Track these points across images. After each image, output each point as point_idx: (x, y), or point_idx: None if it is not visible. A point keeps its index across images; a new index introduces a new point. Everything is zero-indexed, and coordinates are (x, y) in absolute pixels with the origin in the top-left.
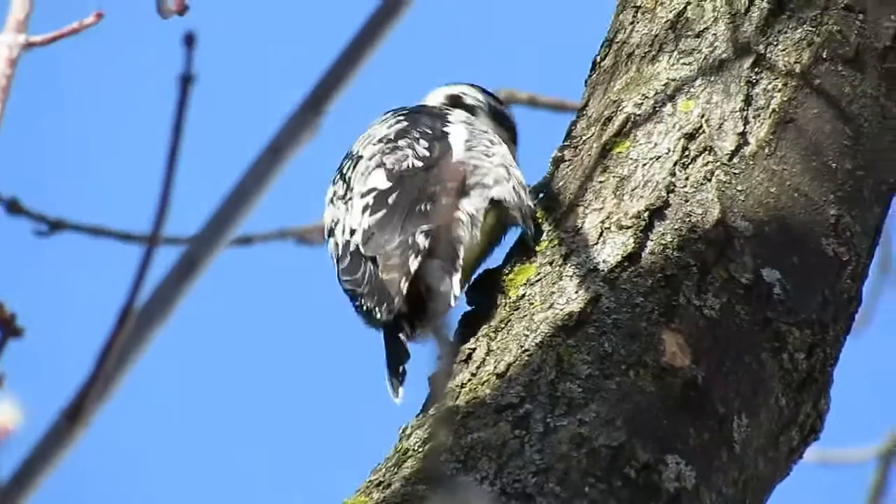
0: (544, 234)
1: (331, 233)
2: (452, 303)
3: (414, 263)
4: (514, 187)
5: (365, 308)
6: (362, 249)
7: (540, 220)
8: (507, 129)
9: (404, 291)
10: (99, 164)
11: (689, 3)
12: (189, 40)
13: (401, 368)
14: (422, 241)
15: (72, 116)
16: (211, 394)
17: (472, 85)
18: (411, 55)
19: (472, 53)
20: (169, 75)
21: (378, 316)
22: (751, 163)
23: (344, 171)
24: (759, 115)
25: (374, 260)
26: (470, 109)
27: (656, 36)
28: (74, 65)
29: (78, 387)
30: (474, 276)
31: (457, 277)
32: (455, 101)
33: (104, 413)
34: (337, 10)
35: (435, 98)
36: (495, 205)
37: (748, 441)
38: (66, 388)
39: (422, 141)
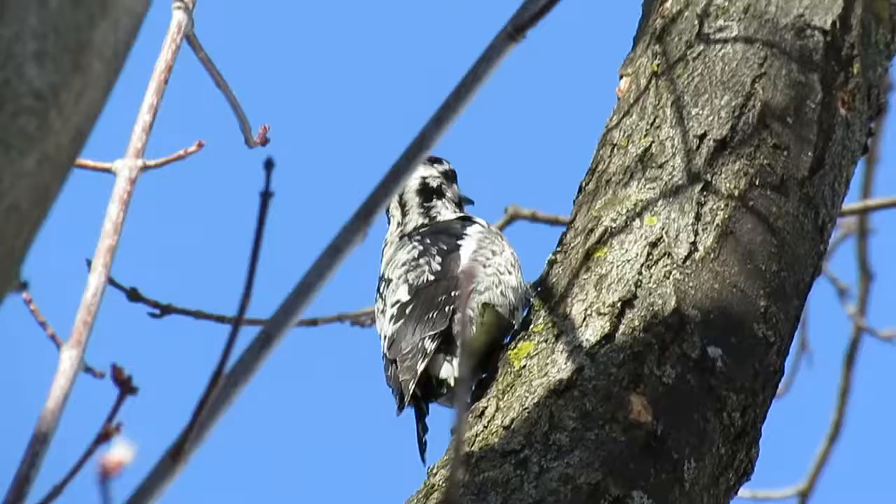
0: (540, 319)
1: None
2: (452, 383)
3: (421, 366)
4: (501, 291)
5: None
6: (388, 354)
7: (537, 308)
8: (453, 178)
9: (411, 391)
10: (199, 261)
11: (653, 142)
12: (269, 165)
13: (423, 440)
14: (428, 346)
15: (178, 223)
16: (282, 444)
17: (433, 162)
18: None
19: (485, 176)
20: (252, 191)
21: (395, 409)
22: (700, 265)
23: (381, 291)
24: (706, 229)
25: (394, 362)
26: (438, 190)
27: (628, 167)
28: (181, 182)
29: (179, 432)
30: (487, 353)
31: (456, 362)
32: (424, 185)
33: (199, 454)
34: (377, 143)
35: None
36: (486, 306)
37: (696, 480)
38: (170, 434)
39: (437, 257)
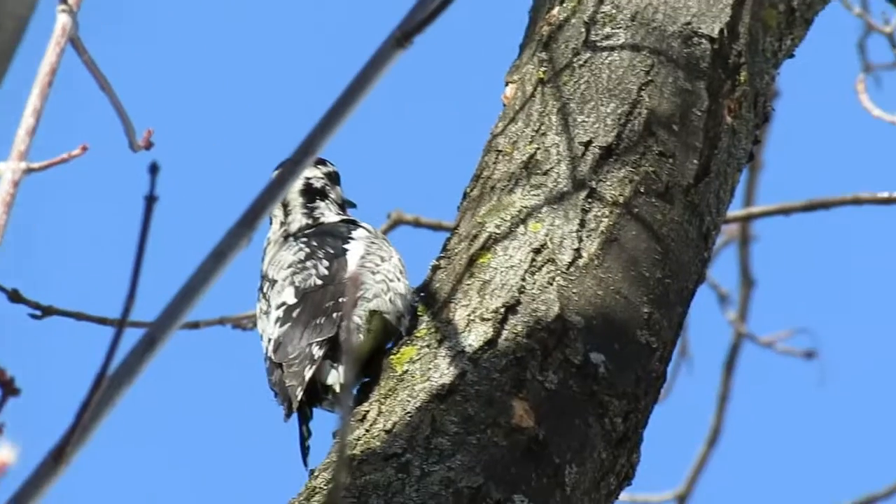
0: (424, 324)
1: (261, 339)
2: (338, 389)
3: (308, 372)
4: (390, 299)
5: (278, 404)
6: (273, 357)
7: (420, 313)
8: (336, 180)
9: (299, 396)
10: (81, 263)
11: (538, 149)
12: (153, 169)
13: (307, 444)
14: (315, 352)
15: (62, 226)
16: (165, 446)
17: (317, 164)
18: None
19: (368, 181)
20: (137, 195)
21: (283, 415)
22: (583, 272)
23: (265, 291)
24: (590, 235)
25: (280, 366)
26: (321, 192)
27: (513, 173)
28: (65, 185)
29: (62, 434)
30: (370, 358)
31: (342, 369)
32: (308, 186)
33: (81, 456)
34: (262, 148)
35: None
36: (374, 313)
37: (577, 484)
38: (53, 435)
39: (324, 261)
